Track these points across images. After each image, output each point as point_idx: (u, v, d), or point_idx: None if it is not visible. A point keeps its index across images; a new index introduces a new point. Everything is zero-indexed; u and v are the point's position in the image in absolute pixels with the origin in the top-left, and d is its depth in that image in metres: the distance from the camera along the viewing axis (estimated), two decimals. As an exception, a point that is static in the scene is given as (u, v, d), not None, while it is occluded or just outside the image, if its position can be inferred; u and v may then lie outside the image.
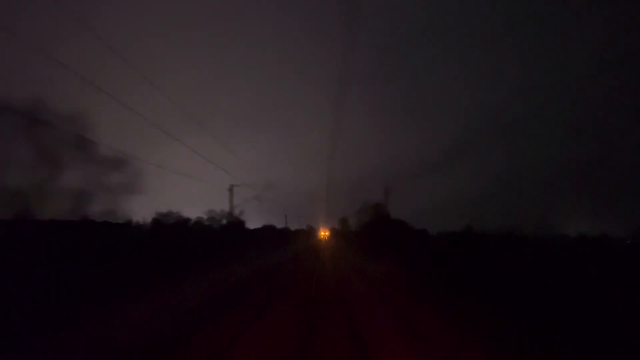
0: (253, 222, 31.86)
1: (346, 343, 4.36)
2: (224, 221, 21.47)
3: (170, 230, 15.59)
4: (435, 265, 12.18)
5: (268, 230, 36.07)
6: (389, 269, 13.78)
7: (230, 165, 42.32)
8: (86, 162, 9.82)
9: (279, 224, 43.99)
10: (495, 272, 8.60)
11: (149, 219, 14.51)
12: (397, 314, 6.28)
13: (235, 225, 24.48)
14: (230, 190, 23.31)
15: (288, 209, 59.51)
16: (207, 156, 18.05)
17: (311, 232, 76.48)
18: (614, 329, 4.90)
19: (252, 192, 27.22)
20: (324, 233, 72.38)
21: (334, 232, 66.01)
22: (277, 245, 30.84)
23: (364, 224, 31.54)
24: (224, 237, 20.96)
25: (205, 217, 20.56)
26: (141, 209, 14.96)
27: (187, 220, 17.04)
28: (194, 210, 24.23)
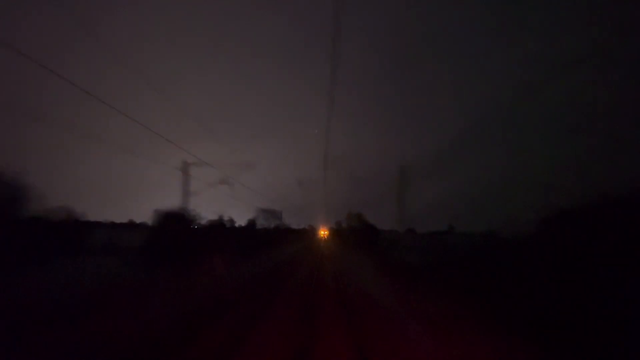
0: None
1: (329, 255, 19.63)
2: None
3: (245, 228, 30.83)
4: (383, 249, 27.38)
5: (283, 230, 51.45)
6: (353, 244, 29.16)
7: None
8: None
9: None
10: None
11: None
12: (341, 250, 21.56)
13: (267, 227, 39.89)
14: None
15: (292, 210, 73.77)
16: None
17: (312, 231, 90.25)
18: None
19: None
20: (323, 232, 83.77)
21: (332, 232, 79.93)
22: (294, 239, 46.27)
23: (350, 227, 46.87)
24: (268, 233, 36.23)
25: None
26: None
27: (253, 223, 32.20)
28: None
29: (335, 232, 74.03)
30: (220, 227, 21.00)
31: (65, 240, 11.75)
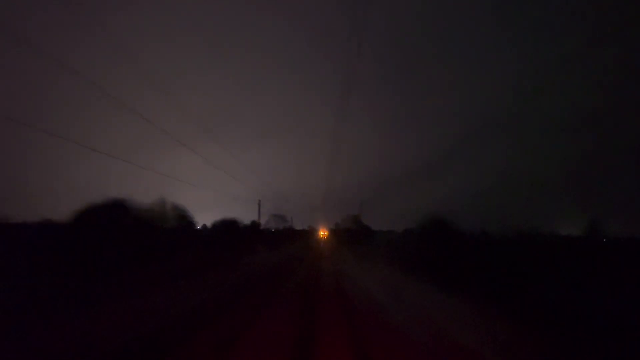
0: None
1: (326, 247, 26.96)
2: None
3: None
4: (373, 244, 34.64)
5: (289, 230, 58.74)
6: (346, 244, 36.49)
7: (240, 172, 57.45)
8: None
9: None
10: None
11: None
12: (334, 247, 28.92)
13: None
14: (259, 204, 45.69)
15: (293, 212, 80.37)
16: (220, 166, 39.69)
17: (312, 232, 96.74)
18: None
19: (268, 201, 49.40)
20: (323, 233, 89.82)
21: (331, 232, 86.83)
22: (299, 239, 53.54)
23: (347, 228, 54.22)
24: (269, 234, 43.40)
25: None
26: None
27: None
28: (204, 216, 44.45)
29: (334, 233, 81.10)
30: (251, 228, 28.19)
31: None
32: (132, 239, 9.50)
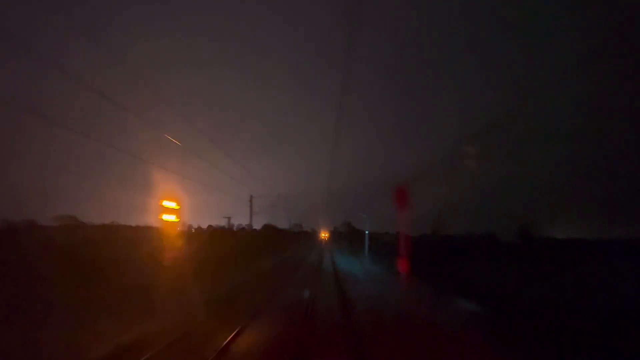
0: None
1: (327, 244, 44.14)
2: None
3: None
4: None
5: (303, 232, 75.39)
6: (340, 242, 53.65)
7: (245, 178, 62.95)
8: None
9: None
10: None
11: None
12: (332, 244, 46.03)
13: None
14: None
15: (296, 215, 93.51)
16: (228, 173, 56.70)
17: (314, 234, 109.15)
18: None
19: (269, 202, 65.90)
20: (324, 235, 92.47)
21: (331, 234, 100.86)
22: (307, 239, 70.42)
23: (342, 231, 71.23)
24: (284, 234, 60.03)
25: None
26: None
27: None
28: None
29: (332, 235, 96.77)
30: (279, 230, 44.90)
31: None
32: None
